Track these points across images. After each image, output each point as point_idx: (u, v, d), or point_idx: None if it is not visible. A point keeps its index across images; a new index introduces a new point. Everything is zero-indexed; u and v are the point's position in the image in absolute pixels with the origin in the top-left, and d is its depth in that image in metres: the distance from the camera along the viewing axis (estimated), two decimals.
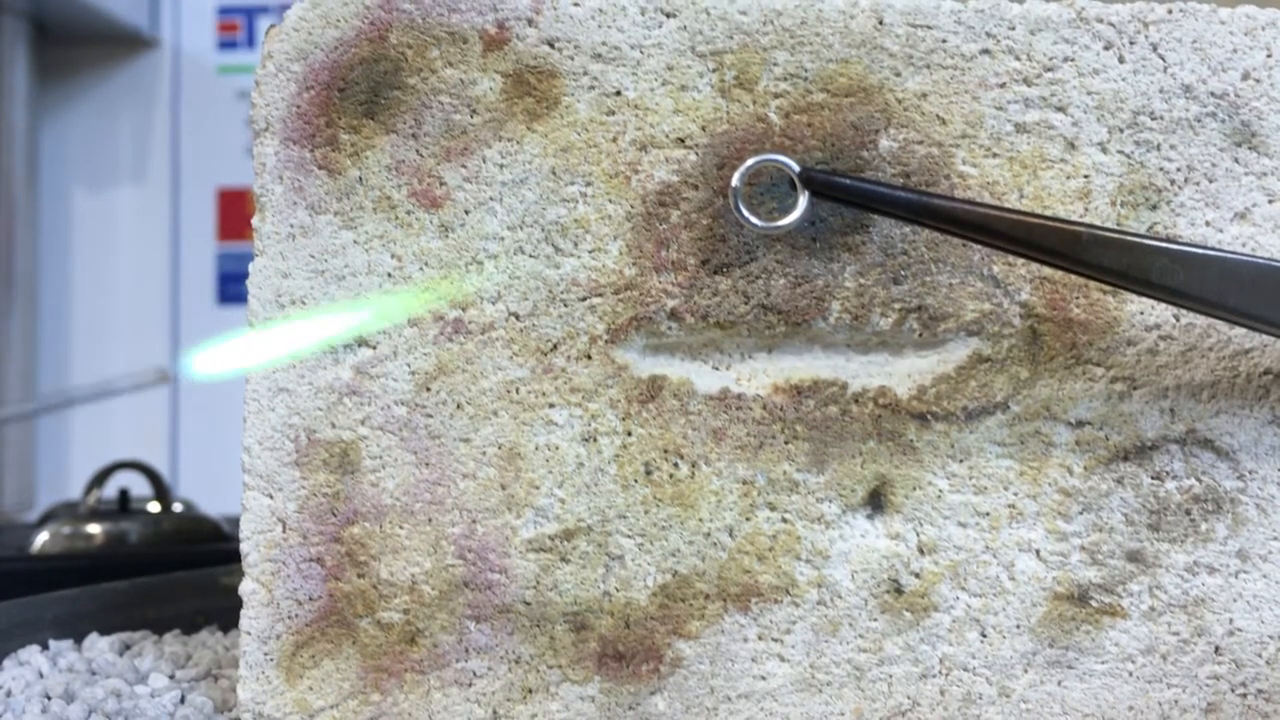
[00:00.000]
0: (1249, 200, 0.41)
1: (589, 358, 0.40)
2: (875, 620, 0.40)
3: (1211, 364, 0.40)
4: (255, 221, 0.40)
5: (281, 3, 1.40)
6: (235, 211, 1.43)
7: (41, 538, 0.74)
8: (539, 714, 0.40)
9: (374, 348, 0.40)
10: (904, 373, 0.40)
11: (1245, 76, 0.41)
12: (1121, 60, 0.40)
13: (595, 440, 0.40)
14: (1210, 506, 0.40)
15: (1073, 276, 0.39)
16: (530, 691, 0.40)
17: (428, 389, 0.40)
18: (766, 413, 0.40)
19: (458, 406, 0.40)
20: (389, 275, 0.40)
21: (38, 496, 1.32)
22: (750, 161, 0.38)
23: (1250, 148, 0.41)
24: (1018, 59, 0.40)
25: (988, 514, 0.40)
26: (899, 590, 0.40)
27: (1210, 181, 0.40)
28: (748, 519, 0.40)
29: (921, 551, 0.40)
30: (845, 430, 0.40)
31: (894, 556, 0.40)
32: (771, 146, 0.39)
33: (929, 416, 0.40)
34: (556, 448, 0.40)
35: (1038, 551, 0.40)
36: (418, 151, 0.40)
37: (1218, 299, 0.37)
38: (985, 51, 0.40)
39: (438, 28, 0.40)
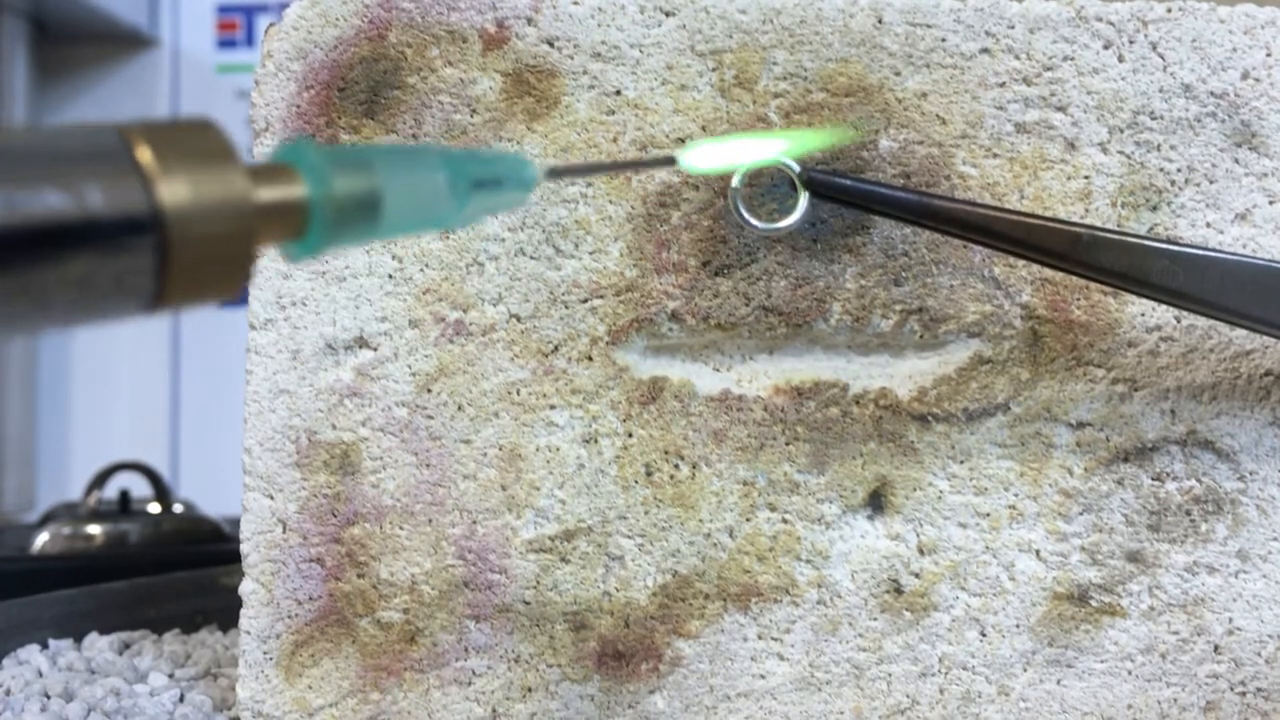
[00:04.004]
0: (1249, 201, 0.41)
1: (590, 359, 0.40)
2: (875, 620, 0.40)
3: (1212, 365, 0.40)
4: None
5: (281, 1, 1.40)
6: None
7: (42, 538, 0.74)
8: (538, 713, 0.40)
9: (375, 349, 0.40)
10: (905, 374, 0.40)
11: (1245, 76, 0.41)
12: (1121, 59, 0.40)
13: (596, 441, 0.40)
14: (1210, 507, 0.40)
15: (1073, 278, 0.39)
16: (530, 690, 0.40)
17: (428, 390, 0.40)
18: (767, 414, 0.40)
19: (458, 408, 0.40)
20: (390, 276, 0.40)
21: (38, 497, 1.32)
22: (737, 164, 0.38)
23: (1250, 148, 0.41)
24: (1017, 58, 0.40)
25: (988, 515, 0.40)
26: (899, 590, 0.40)
27: (1211, 182, 0.40)
28: (748, 519, 0.40)
29: (921, 552, 0.40)
30: (846, 431, 0.40)
31: (894, 557, 0.40)
32: None
33: (930, 418, 0.40)
34: (557, 449, 0.40)
35: (1038, 552, 0.40)
36: None
37: (1219, 300, 0.37)
38: (985, 50, 0.40)
39: (437, 26, 0.40)
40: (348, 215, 0.22)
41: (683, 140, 0.40)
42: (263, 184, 0.21)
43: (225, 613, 0.47)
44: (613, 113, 0.40)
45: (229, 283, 0.21)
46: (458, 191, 0.25)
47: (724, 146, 0.35)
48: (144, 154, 0.19)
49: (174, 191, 0.20)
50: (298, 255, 0.22)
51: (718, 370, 0.40)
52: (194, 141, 0.20)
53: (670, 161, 0.37)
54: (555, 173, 0.35)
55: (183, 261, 0.20)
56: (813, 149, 0.38)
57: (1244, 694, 0.41)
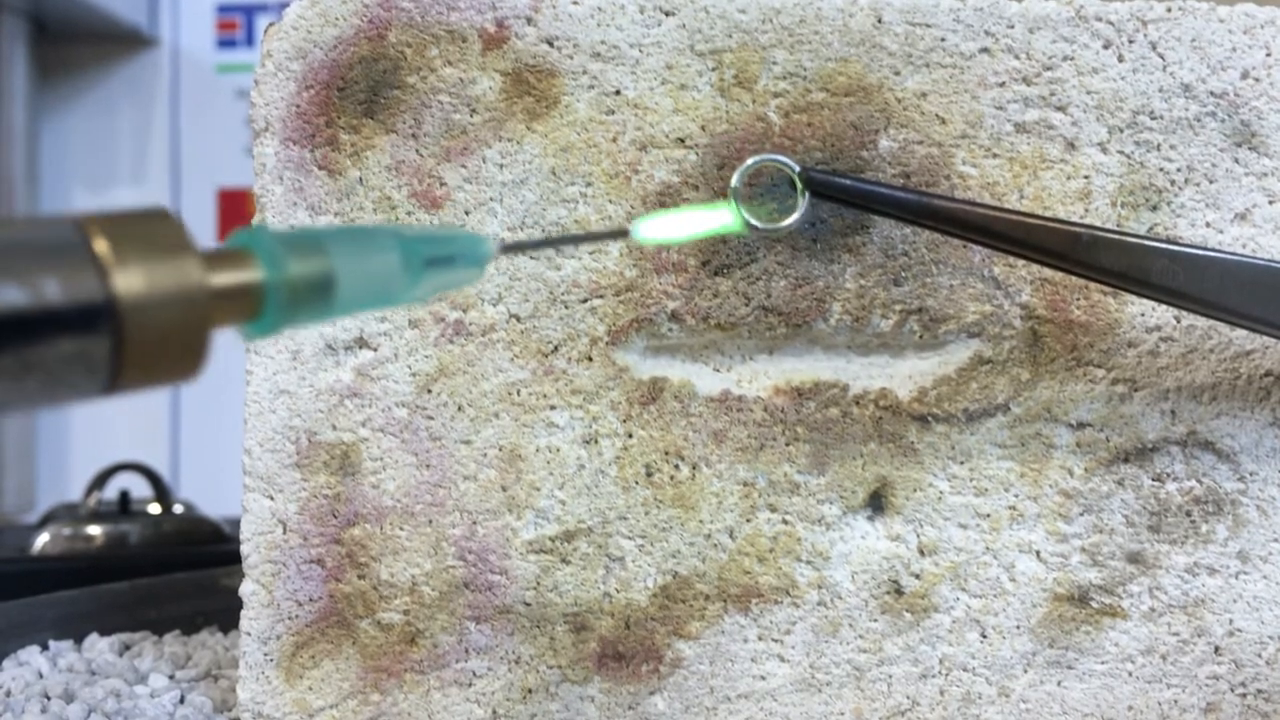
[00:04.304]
0: (1249, 201, 0.40)
1: (590, 359, 0.40)
2: (875, 621, 0.40)
3: (1212, 366, 0.40)
4: (255, 222, 0.40)
5: (280, 1, 1.40)
6: (235, 212, 1.42)
7: (42, 539, 0.74)
8: (539, 714, 0.40)
9: (375, 350, 0.40)
10: (905, 374, 0.40)
11: (1244, 75, 0.40)
12: (1121, 59, 0.40)
13: (596, 442, 0.40)
14: (1211, 508, 0.40)
15: (1073, 278, 0.39)
16: (530, 691, 0.40)
17: (429, 391, 0.40)
18: (767, 414, 0.40)
19: (458, 408, 0.40)
20: None
21: (38, 498, 1.31)
22: (750, 161, 0.38)
23: (1250, 148, 0.40)
24: (1017, 58, 0.40)
25: (988, 515, 0.40)
26: (899, 591, 0.40)
27: (1210, 182, 0.40)
28: (748, 520, 0.40)
29: (922, 553, 0.40)
30: (846, 432, 0.40)
31: (894, 558, 0.40)
32: (771, 146, 0.39)
33: (930, 418, 0.40)
34: (557, 449, 0.40)
35: (1038, 553, 0.40)
36: (418, 151, 0.40)
37: (1218, 300, 0.37)
38: (984, 50, 0.40)
39: (437, 26, 0.40)
40: (302, 297, 0.23)
41: (682, 140, 0.40)
42: (217, 270, 0.22)
43: (226, 614, 0.47)
44: (612, 112, 0.40)
45: (184, 366, 0.21)
46: (411, 270, 0.25)
47: (674, 219, 0.36)
48: (100, 245, 0.20)
49: (129, 282, 0.20)
50: (253, 336, 0.23)
51: (718, 370, 0.40)
52: (150, 231, 0.21)
53: (623, 234, 0.37)
54: (510, 248, 0.37)
55: (138, 348, 0.20)
56: (755, 221, 0.38)
57: (1244, 695, 0.41)
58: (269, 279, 0.22)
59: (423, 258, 0.25)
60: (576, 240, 0.39)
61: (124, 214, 0.21)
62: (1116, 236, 0.37)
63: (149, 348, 0.21)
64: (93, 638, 0.50)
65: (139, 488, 0.81)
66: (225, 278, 0.22)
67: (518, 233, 0.40)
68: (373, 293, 0.25)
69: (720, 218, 0.37)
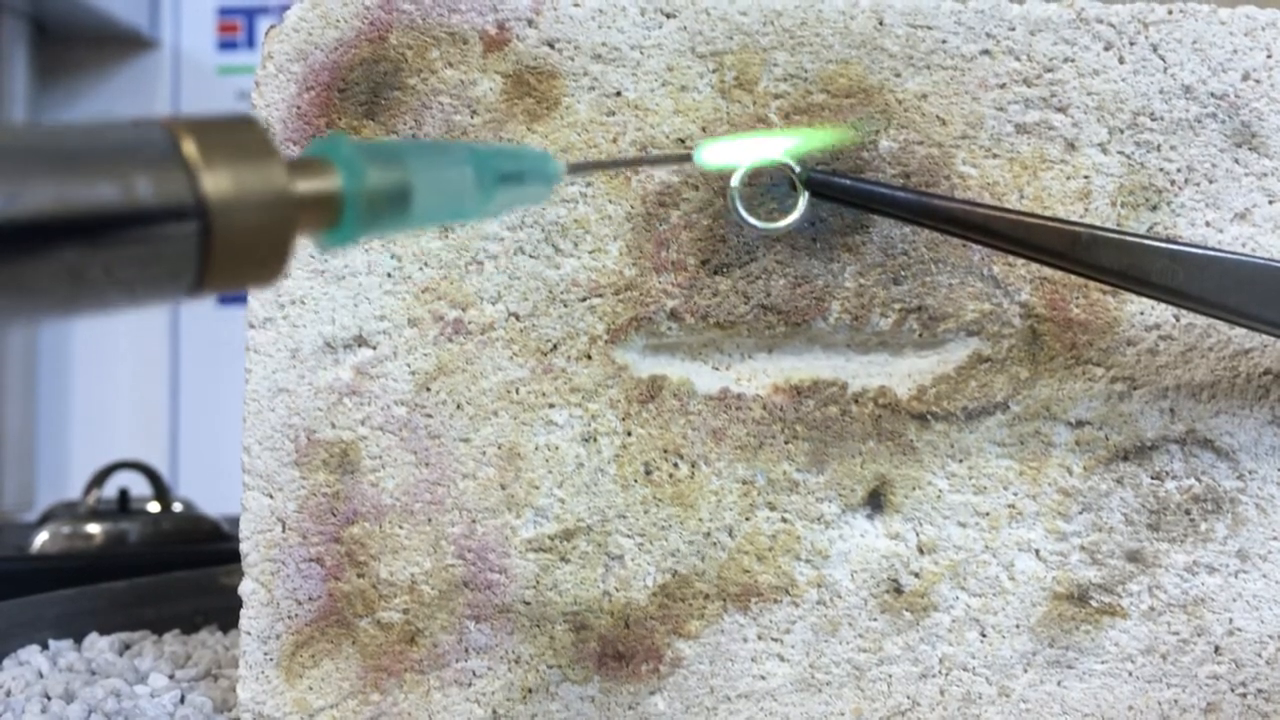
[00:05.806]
0: (1249, 201, 0.41)
1: (589, 358, 0.40)
2: (875, 620, 0.40)
3: (1211, 364, 0.40)
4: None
5: (281, 3, 1.40)
6: None
7: (41, 537, 0.74)
8: (539, 714, 0.40)
9: (374, 348, 0.40)
10: (904, 373, 0.40)
11: (1245, 77, 0.41)
12: (1122, 61, 0.40)
13: (595, 440, 0.40)
14: (1210, 506, 0.40)
15: (1073, 277, 0.39)
16: (530, 691, 0.40)
17: (428, 389, 0.40)
18: (766, 413, 0.40)
19: (458, 406, 0.40)
20: (389, 275, 0.40)
21: (38, 496, 1.32)
22: (750, 162, 0.38)
23: (1250, 148, 0.41)
24: (1018, 60, 0.40)
25: (987, 514, 0.40)
26: (899, 590, 0.40)
27: (1210, 182, 0.40)
28: (747, 519, 0.40)
29: (921, 551, 0.40)
30: (845, 430, 0.40)
31: (894, 556, 0.40)
32: None
33: (929, 416, 0.40)
34: (556, 448, 0.40)
35: (1037, 551, 0.40)
36: None
37: (1217, 299, 0.37)
38: (985, 52, 0.40)
39: (438, 28, 0.40)
40: (379, 207, 0.24)
41: (683, 140, 0.40)
42: (300, 177, 0.22)
43: (225, 613, 0.47)
44: (613, 114, 0.40)
45: (267, 269, 0.22)
46: (484, 185, 0.26)
47: (739, 144, 0.36)
48: (189, 148, 0.21)
49: (217, 183, 0.21)
50: (332, 244, 0.24)
51: (717, 369, 0.40)
52: (236, 136, 0.22)
53: (686, 158, 0.37)
54: (576, 168, 0.37)
55: (224, 249, 0.21)
56: (825, 147, 0.38)
57: (1244, 695, 0.41)
58: (349, 188, 0.23)
59: (495, 173, 0.26)
60: (641, 162, 0.39)
61: (211, 118, 0.22)
62: (1116, 236, 0.37)
63: (235, 249, 0.21)
64: (92, 637, 0.50)
65: (138, 486, 0.81)
66: (308, 185, 0.22)
67: (517, 231, 0.40)
68: (447, 206, 0.25)
69: (783, 145, 0.37)
